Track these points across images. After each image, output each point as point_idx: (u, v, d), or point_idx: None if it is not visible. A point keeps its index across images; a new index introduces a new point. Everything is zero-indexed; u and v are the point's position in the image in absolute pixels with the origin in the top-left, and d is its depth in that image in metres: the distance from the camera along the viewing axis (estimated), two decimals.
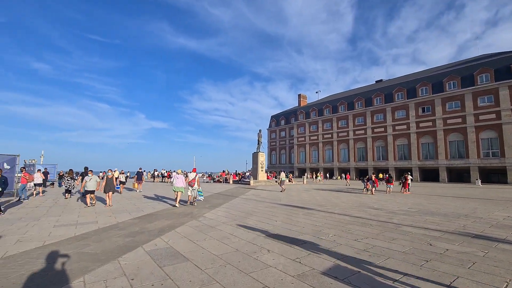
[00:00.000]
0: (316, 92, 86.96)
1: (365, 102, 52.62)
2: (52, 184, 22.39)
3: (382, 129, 49.12)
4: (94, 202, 11.07)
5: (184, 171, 22.06)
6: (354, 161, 53.59)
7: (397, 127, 47.06)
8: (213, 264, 4.16)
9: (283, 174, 20.11)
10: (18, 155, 13.58)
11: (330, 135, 58.17)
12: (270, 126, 78.22)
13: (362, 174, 53.96)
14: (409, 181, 18.11)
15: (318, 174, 36.92)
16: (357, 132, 53.19)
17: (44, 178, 16.51)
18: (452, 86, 40.98)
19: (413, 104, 44.72)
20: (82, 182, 11.53)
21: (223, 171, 33.78)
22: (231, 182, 29.32)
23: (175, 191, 10.88)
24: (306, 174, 57.68)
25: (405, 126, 45.98)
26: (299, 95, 69.35)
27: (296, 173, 63.50)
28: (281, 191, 18.22)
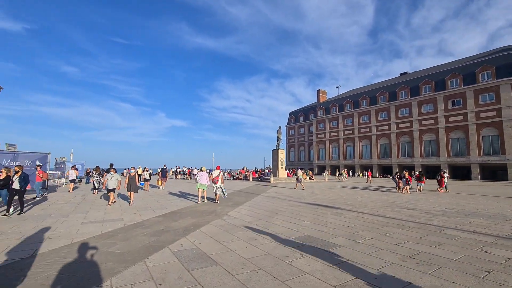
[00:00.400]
0: (336, 87, 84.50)
1: (389, 96, 50.36)
2: (80, 180, 23.30)
3: (408, 124, 46.81)
4: (112, 201, 10.33)
5: (207, 169, 22.19)
6: (377, 158, 51.63)
7: (423, 122, 44.63)
8: (244, 269, 3.85)
9: (299, 172, 19.96)
10: (48, 153, 14.10)
11: (351, 131, 56.41)
12: (288, 123, 77.28)
13: (385, 171, 51.94)
14: (446, 179, 16.81)
15: (343, 171, 35.23)
16: (380, 128, 51.12)
17: (77, 174, 17.25)
18: (486, 77, 38.09)
19: (441, 97, 42.12)
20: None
21: (243, 168, 33.67)
22: (251, 179, 29.15)
23: (198, 188, 10.96)
24: (326, 171, 56.46)
25: (432, 121, 43.50)
26: (319, 91, 67.82)
27: (316, 170, 62.32)
28: (302, 189, 18.45)
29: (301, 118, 72.70)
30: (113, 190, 10.32)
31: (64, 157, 25.98)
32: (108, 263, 4.07)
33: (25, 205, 8.96)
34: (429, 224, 7.04)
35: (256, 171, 33.47)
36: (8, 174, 8.31)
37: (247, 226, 6.63)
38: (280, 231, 6.09)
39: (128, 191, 10.47)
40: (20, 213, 8.16)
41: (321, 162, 63.46)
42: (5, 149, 13.38)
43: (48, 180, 13.53)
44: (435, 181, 19.98)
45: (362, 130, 54.49)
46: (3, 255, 4.38)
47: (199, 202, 10.84)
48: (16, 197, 8.39)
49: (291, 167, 66.23)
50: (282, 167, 28.36)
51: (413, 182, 18.34)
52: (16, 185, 8.20)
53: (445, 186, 16.90)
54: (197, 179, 11.01)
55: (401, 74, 59.39)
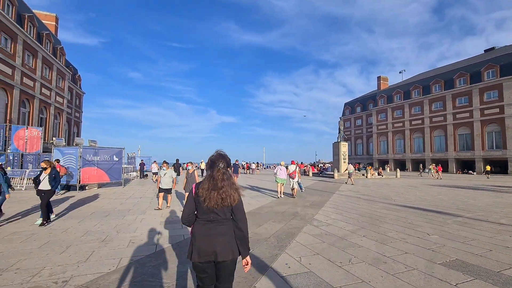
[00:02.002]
0: (400, 72, 74.48)
1: (470, 78, 42.59)
2: (146, 175, 24.64)
3: (496, 110, 38.94)
4: (168, 205, 8.61)
5: (260, 163, 21.18)
6: (454, 150, 44.41)
7: None
8: None
9: (350, 167, 19.40)
10: (123, 148, 14.67)
11: (420, 121, 49.67)
12: (343, 114, 72.34)
13: (465, 166, 44.44)
14: None
15: (431, 166, 27.69)
16: (458, 116, 43.75)
17: (158, 168, 17.84)
18: None
19: None
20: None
21: (301, 163, 32.01)
22: (310, 174, 27.35)
23: (277, 183, 10.81)
24: (386, 166, 50.89)
25: None
26: (379, 77, 61.47)
27: (376, 165, 56.88)
28: (351, 183, 17.88)
29: (358, 109, 67.21)
30: (167, 190, 8.42)
31: (134, 152, 28.01)
32: None
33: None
34: None
35: (315, 165, 31.43)
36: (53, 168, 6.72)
37: (355, 239, 5.17)
38: (410, 250, 4.46)
39: (186, 192, 8.57)
40: (42, 224, 6.03)
41: (382, 156, 57.76)
42: (88, 145, 14.28)
43: (67, 174, 12.05)
44: None
45: (434, 119, 47.52)
46: (85, 267, 3.79)
47: (281, 196, 10.63)
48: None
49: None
50: (345, 161, 25.87)
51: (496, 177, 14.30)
52: (45, 186, 6.35)
53: None
54: (276, 173, 10.91)
55: (486, 51, 49.88)
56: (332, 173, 22.39)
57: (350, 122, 69.52)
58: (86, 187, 12.79)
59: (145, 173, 21.36)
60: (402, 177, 25.87)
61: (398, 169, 26.21)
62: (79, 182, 12.09)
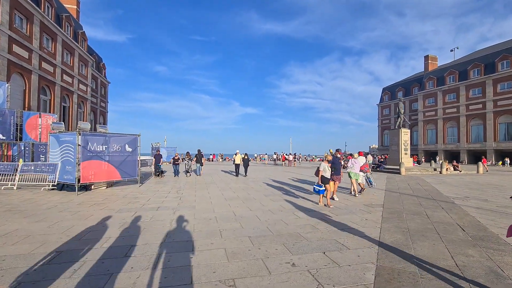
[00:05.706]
0: (451, 51, 63.72)
1: None
2: (162, 172, 21.42)
3: None
4: None
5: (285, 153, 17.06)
6: None
7: None
8: None
9: (370, 157, 18.28)
10: (138, 135, 11.27)
11: (480, 105, 42.35)
12: (381, 100, 65.51)
13: None
14: None
15: None
16: None
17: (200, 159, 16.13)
18: None
19: None
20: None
21: (350, 154, 27.35)
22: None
23: (351, 179, 9.52)
24: (438, 159, 44.40)
25: None
26: (426, 57, 53.70)
27: (423, 157, 50.26)
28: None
29: (399, 94, 59.99)
30: None
31: (158, 142, 25.56)
32: None
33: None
34: None
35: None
36: None
37: None
38: None
39: None
40: None
41: (430, 147, 51.02)
42: (97, 132, 11.16)
43: None
44: None
45: (500, 103, 40.10)
46: None
47: (356, 195, 9.27)
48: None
49: (385, 152, 55.33)
50: (406, 153, 20.93)
51: None
52: None
53: None
54: (351, 167, 9.57)
55: None
56: (398, 167, 17.75)
57: (390, 109, 62.60)
58: (92, 187, 9.61)
59: (160, 168, 15.77)
60: (483, 173, 20.32)
61: (480, 163, 20.09)
62: (79, 181, 8.85)
